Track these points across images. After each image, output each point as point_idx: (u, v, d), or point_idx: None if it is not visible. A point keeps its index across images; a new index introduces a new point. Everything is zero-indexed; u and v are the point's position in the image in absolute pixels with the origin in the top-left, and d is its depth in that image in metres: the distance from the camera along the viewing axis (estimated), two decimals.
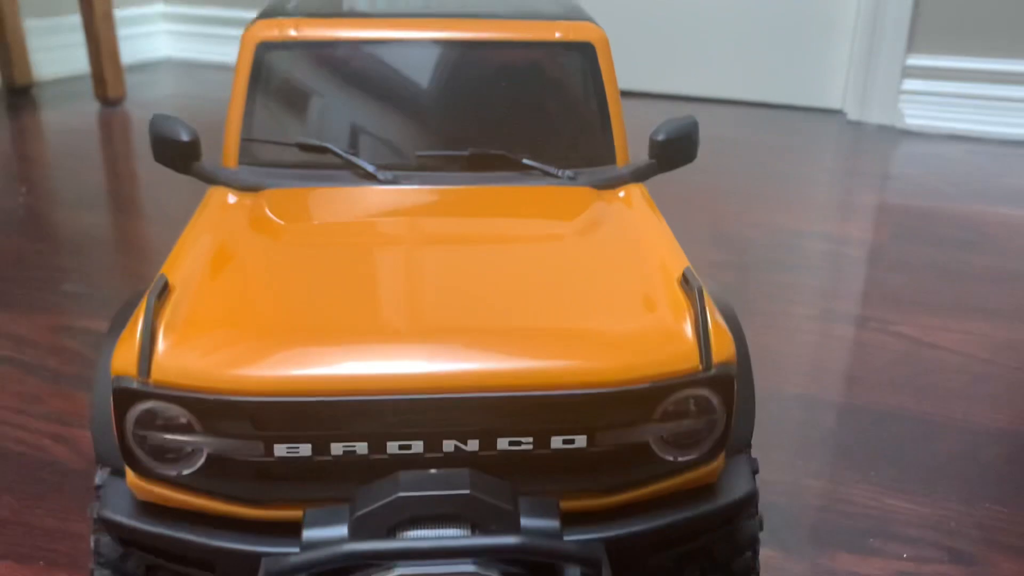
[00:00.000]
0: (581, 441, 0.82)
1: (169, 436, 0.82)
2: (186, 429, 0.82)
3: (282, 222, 1.05)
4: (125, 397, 0.82)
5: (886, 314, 2.06)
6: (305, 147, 1.17)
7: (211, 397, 0.80)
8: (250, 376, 0.80)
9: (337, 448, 0.81)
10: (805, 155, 3.29)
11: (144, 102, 3.87)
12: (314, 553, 0.75)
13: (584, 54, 1.24)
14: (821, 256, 2.42)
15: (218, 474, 0.82)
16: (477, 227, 1.07)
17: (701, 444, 0.86)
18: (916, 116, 3.48)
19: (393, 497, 0.77)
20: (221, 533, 0.83)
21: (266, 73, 1.21)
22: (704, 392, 0.84)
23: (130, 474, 0.85)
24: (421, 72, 1.23)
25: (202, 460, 0.83)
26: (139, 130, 3.48)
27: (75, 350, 1.85)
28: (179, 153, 1.17)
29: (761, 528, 0.99)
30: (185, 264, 0.96)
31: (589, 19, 1.29)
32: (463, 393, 0.80)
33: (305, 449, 0.81)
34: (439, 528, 0.78)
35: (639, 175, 1.21)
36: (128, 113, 3.70)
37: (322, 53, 1.22)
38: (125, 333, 0.87)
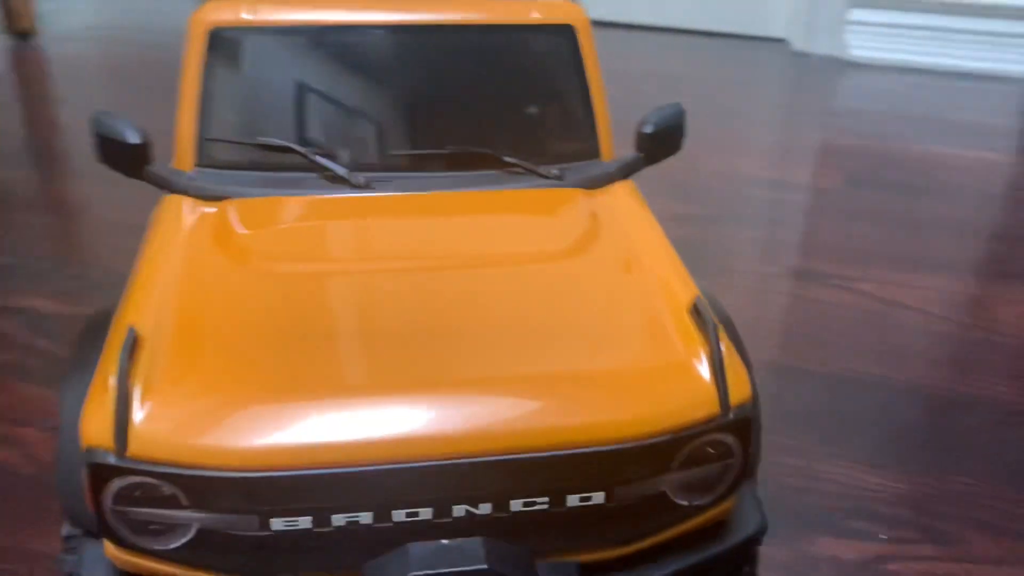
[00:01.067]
0: (599, 497, 0.78)
1: (153, 511, 0.75)
2: (172, 503, 0.75)
3: (255, 248, 0.97)
4: (101, 472, 0.74)
5: (846, 270, 2.05)
6: (271, 148, 1.07)
7: (199, 473, 0.73)
8: (242, 449, 0.73)
9: (339, 519, 0.75)
10: (753, 90, 3.24)
11: (60, 35, 3.60)
12: None
13: (565, 37, 1.15)
14: (777, 206, 2.39)
15: (209, 547, 0.76)
16: (464, 247, 1.00)
17: (717, 487, 0.83)
18: (862, 47, 3.44)
19: (438, 561, 0.72)
20: None
21: (221, 62, 1.10)
22: (723, 437, 0.81)
23: (108, 546, 0.79)
24: (391, 59, 1.13)
25: (191, 534, 0.76)
26: (58, 69, 3.25)
27: (7, 333, 1.73)
28: (128, 156, 1.06)
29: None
30: (151, 304, 0.87)
31: None
32: (473, 457, 0.75)
33: (305, 522, 0.75)
34: None
35: (627, 171, 1.14)
36: (42, 48, 3.45)
37: (282, 39, 1.12)
38: (94, 392, 0.79)
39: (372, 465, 0.74)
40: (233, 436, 0.74)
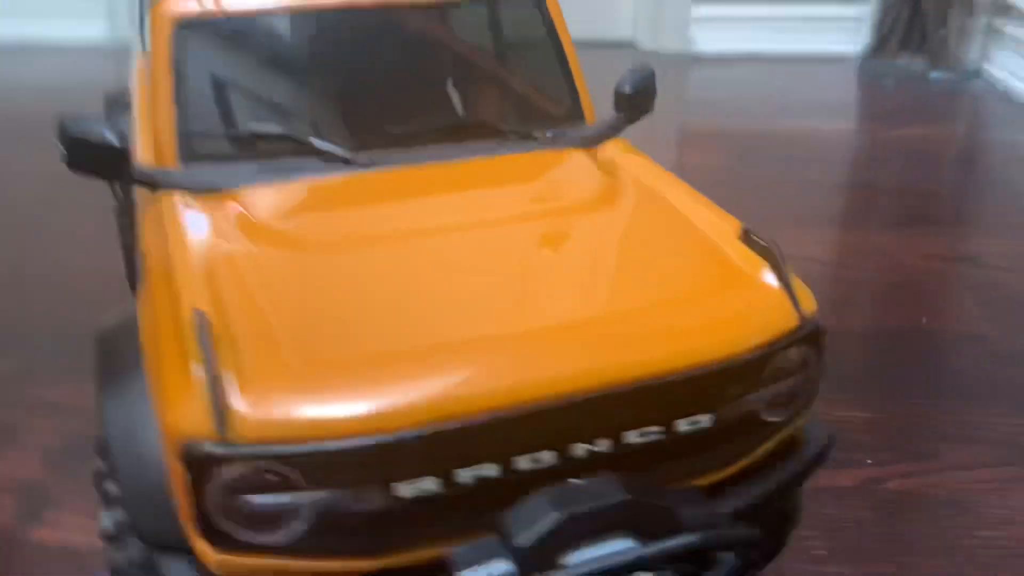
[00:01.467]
0: (705, 421, 0.79)
1: (268, 499, 0.70)
2: (288, 487, 0.70)
3: (288, 229, 0.92)
4: (205, 464, 0.68)
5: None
6: (271, 138, 1.02)
7: (318, 447, 0.68)
8: (361, 414, 0.69)
9: (465, 475, 0.72)
10: (608, 92, 3.35)
11: None
12: None
13: (536, 5, 1.16)
14: None
15: (329, 531, 0.71)
16: (501, 205, 0.98)
17: (797, 400, 0.85)
18: (708, 41, 3.63)
19: (557, 520, 0.70)
20: None
21: (191, 55, 1.04)
22: (802, 348, 0.83)
23: (208, 552, 0.72)
24: (366, 39, 1.11)
25: (308, 519, 0.71)
26: None
27: None
28: (107, 159, 0.98)
29: None
30: (200, 293, 0.81)
31: None
32: (590, 392, 0.74)
33: (429, 483, 0.72)
34: (602, 542, 0.72)
35: (614, 130, 1.16)
36: None
37: (251, 26, 1.07)
38: (169, 388, 0.72)
39: (493, 413, 0.72)
40: (348, 403, 0.70)
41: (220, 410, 0.69)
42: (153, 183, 1.00)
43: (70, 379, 1.51)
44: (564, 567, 0.70)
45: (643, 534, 0.72)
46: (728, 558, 0.74)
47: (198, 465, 0.69)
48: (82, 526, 1.21)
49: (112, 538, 0.85)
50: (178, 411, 0.70)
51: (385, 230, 0.93)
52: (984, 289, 1.90)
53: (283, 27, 1.08)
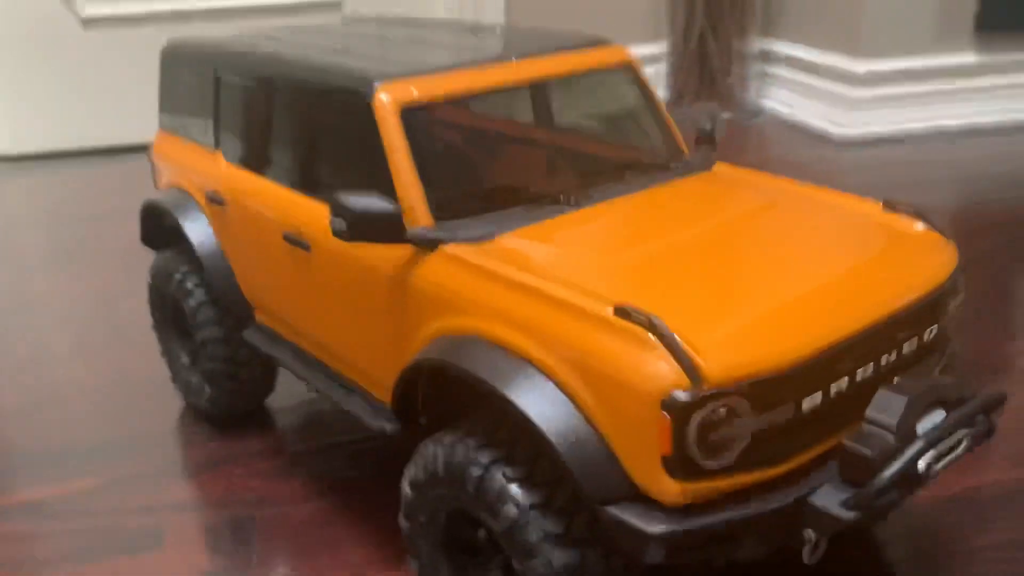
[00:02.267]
0: (935, 328, 1.13)
1: (723, 432, 0.93)
2: (736, 417, 0.94)
3: (590, 246, 1.15)
4: (684, 410, 0.91)
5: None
6: (501, 191, 1.24)
7: (764, 378, 0.94)
8: (787, 348, 0.96)
9: (834, 386, 1.01)
10: None
11: None
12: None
13: (629, 72, 1.47)
14: None
15: (755, 448, 0.96)
16: (711, 212, 1.27)
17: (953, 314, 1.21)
18: None
19: (908, 401, 0.99)
20: (768, 496, 0.97)
21: (416, 134, 1.23)
22: (961, 276, 1.19)
23: (671, 486, 0.94)
24: (525, 112, 1.37)
25: (745, 440, 0.95)
26: None
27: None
28: (388, 225, 1.16)
29: None
30: (603, 292, 1.02)
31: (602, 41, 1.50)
32: (886, 318, 1.06)
33: (817, 397, 0.99)
34: (929, 415, 1.02)
35: (710, 160, 1.48)
36: None
37: (453, 107, 1.29)
38: (625, 359, 0.94)
39: (848, 338, 1.01)
40: (775, 341, 0.96)
41: (686, 365, 0.92)
42: (428, 243, 1.18)
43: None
44: (919, 436, 0.99)
45: (948, 406, 1.04)
46: (982, 417, 1.07)
47: (679, 412, 0.91)
48: None
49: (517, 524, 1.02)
50: (650, 373, 0.92)
51: (659, 232, 1.19)
52: None
53: (473, 109, 1.31)
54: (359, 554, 1.40)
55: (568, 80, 1.41)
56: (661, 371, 0.92)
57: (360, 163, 1.29)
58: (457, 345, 1.10)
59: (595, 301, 1.00)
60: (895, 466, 0.95)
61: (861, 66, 3.39)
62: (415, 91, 1.25)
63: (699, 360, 0.93)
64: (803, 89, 3.70)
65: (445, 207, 1.22)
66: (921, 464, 0.97)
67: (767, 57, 3.89)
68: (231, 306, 1.61)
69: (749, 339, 0.97)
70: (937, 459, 0.98)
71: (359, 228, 1.15)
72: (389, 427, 1.27)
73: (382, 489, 1.50)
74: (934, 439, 0.99)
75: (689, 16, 3.80)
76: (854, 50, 3.40)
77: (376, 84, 1.24)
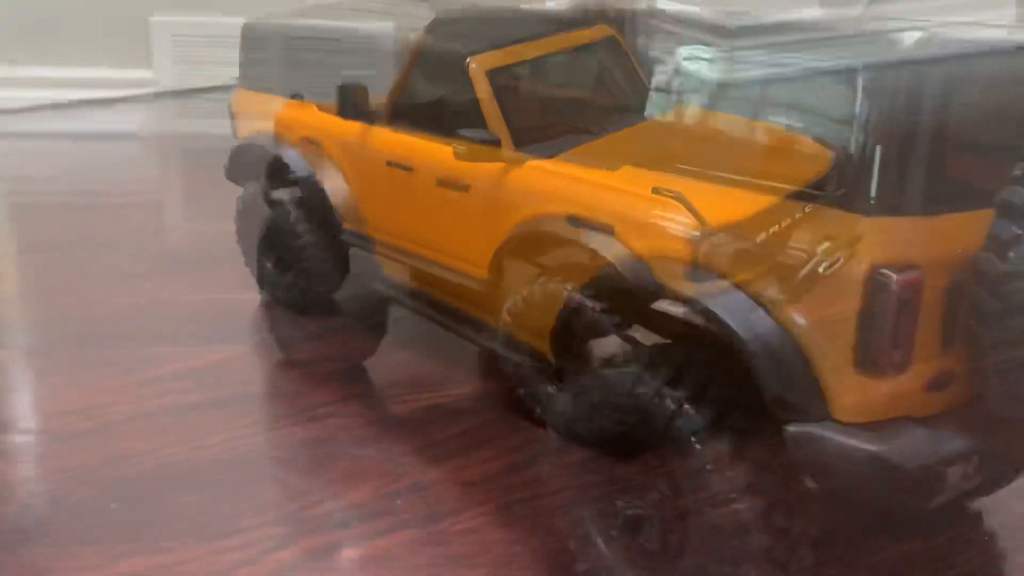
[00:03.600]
0: None
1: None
2: None
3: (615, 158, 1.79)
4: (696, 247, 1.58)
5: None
6: (556, 125, 1.88)
7: None
8: None
9: None
10: None
11: None
12: None
13: (616, 42, 2.12)
14: None
15: None
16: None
17: None
18: None
19: None
20: None
21: (499, 91, 1.86)
22: None
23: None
24: (566, 70, 2.01)
25: None
26: None
27: None
28: (492, 149, 1.78)
29: None
30: (620, 180, 1.66)
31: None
32: None
33: None
34: None
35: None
36: None
37: (520, 68, 1.92)
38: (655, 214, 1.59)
39: None
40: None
41: (700, 219, 1.58)
42: (521, 159, 1.80)
43: None
44: None
45: None
46: None
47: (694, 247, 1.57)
48: None
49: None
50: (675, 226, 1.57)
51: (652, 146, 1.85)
52: None
53: (536, 66, 1.94)
54: None
55: (587, 47, 2.06)
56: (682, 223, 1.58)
57: (460, 111, 1.90)
58: (543, 217, 1.73)
59: (635, 186, 1.65)
60: None
61: None
62: (496, 60, 1.88)
63: (705, 216, 1.58)
64: None
65: (520, 137, 1.86)
66: None
67: None
68: (326, 217, 2.20)
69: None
70: None
71: (475, 151, 1.77)
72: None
73: None
74: None
75: None
76: None
77: (469, 58, 1.87)
